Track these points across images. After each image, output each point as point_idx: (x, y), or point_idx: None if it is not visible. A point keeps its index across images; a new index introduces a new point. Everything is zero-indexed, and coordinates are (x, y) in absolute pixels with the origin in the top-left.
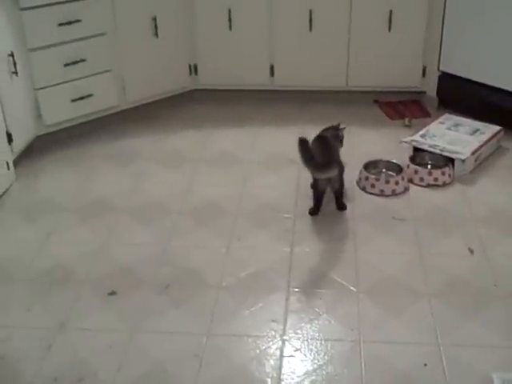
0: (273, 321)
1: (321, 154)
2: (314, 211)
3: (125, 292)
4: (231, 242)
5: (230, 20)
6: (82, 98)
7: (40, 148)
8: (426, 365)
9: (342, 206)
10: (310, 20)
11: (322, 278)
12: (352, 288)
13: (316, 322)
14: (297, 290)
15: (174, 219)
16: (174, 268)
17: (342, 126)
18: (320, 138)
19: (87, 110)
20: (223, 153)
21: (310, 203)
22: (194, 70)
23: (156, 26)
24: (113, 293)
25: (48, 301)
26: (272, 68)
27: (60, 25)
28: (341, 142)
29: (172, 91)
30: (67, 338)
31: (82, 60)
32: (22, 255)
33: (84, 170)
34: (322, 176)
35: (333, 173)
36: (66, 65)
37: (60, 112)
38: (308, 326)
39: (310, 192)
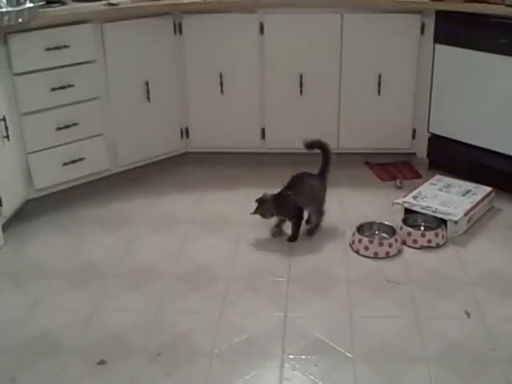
0: None
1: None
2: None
3: (114, 361)
4: (224, 307)
5: (221, 84)
6: (73, 162)
7: (30, 212)
8: None
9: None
10: (301, 84)
11: (316, 344)
12: (348, 354)
13: None
14: (291, 356)
15: (165, 283)
16: (165, 335)
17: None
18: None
19: (78, 174)
20: (215, 216)
21: (302, 266)
22: (185, 133)
23: (148, 91)
24: (102, 362)
25: (34, 370)
26: (263, 131)
27: (53, 89)
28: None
29: (163, 154)
30: None
31: (75, 124)
32: (8, 322)
33: (74, 234)
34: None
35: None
36: (58, 129)
37: (51, 176)
38: None
39: (303, 255)
